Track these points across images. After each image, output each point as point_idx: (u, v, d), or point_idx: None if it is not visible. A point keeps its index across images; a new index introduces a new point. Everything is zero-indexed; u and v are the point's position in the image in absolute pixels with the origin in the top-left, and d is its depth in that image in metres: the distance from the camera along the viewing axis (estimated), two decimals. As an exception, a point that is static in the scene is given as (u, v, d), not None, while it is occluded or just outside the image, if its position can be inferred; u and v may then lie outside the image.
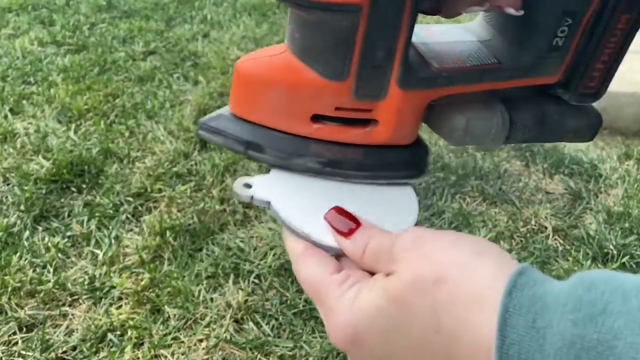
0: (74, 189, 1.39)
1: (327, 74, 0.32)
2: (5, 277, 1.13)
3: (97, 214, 1.31)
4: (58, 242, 1.23)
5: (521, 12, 0.32)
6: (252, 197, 0.36)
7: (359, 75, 0.32)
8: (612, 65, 0.35)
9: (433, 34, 0.37)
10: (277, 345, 1.03)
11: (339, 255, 0.34)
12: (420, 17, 0.32)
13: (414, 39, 0.33)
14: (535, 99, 0.37)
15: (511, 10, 0.32)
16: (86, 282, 1.14)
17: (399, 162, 0.37)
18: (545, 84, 0.35)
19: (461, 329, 0.26)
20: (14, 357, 1.01)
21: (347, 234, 0.33)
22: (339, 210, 0.34)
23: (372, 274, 0.32)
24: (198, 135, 0.36)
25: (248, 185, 0.37)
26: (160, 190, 1.39)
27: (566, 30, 0.33)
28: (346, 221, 0.33)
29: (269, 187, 0.36)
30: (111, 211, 1.32)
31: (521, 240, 1.31)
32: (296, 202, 0.36)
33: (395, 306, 0.28)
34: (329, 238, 0.34)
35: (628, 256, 1.24)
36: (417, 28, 0.33)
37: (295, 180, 0.37)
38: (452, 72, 0.33)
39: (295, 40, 0.33)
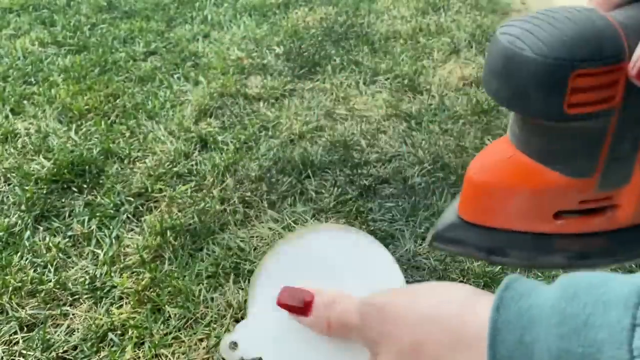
0: (74, 189, 1.39)
1: (574, 174, 0.33)
2: (6, 277, 1.14)
3: (97, 214, 1.31)
4: (59, 242, 1.23)
5: None
6: (242, 359, 0.36)
7: (605, 169, 0.32)
8: None
9: None
10: (277, 345, 1.04)
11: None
12: None
13: None
14: None
15: None
16: (87, 282, 1.14)
17: None
18: None
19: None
20: (15, 356, 1.01)
21: (305, 309, 0.33)
22: (289, 289, 0.34)
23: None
24: (432, 247, 0.36)
25: (234, 345, 0.36)
26: (160, 190, 1.40)
27: None
28: (299, 296, 0.33)
29: (255, 339, 0.36)
30: (112, 211, 1.32)
31: (521, 240, 1.31)
32: (284, 349, 0.35)
33: None
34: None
35: (627, 256, 1.25)
36: None
37: (276, 323, 0.36)
38: None
39: (533, 144, 0.33)
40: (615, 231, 0.35)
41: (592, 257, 0.35)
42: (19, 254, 1.20)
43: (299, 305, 0.33)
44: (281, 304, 0.34)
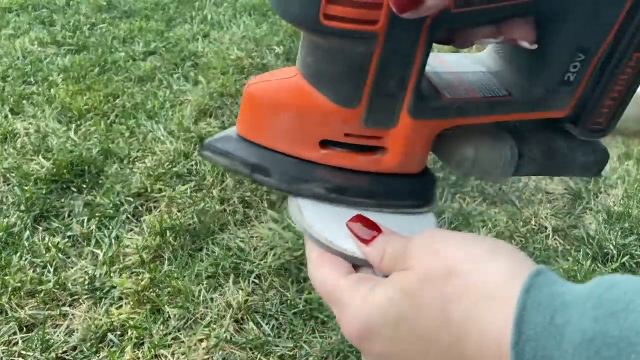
0: (74, 189, 1.39)
1: (339, 100, 0.32)
2: (6, 277, 1.14)
3: (97, 214, 1.31)
4: (58, 242, 1.23)
5: (535, 46, 0.32)
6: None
7: (370, 103, 0.32)
8: (622, 102, 0.34)
9: (444, 63, 0.37)
10: (277, 345, 1.03)
11: (357, 266, 0.34)
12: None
13: (425, 67, 0.33)
14: (544, 132, 0.37)
15: (525, 44, 0.32)
16: (86, 282, 1.14)
17: (405, 191, 0.36)
18: (555, 118, 0.35)
19: (471, 324, 0.26)
20: (14, 357, 1.01)
21: (368, 241, 0.33)
22: (361, 218, 0.34)
23: None
24: (201, 155, 0.36)
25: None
26: (160, 190, 1.39)
27: (578, 65, 0.32)
28: (368, 228, 0.34)
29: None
30: (111, 211, 1.32)
31: (521, 240, 1.31)
32: (318, 210, 0.36)
33: (406, 299, 0.28)
34: (349, 245, 0.34)
35: (628, 256, 1.24)
36: (429, 57, 0.33)
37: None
38: (463, 103, 0.33)
39: (308, 65, 0.33)
40: (380, 175, 0.35)
41: (350, 194, 0.35)
42: (18, 254, 1.20)
43: (365, 237, 0.33)
44: (349, 228, 0.34)
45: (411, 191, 0.37)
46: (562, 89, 0.33)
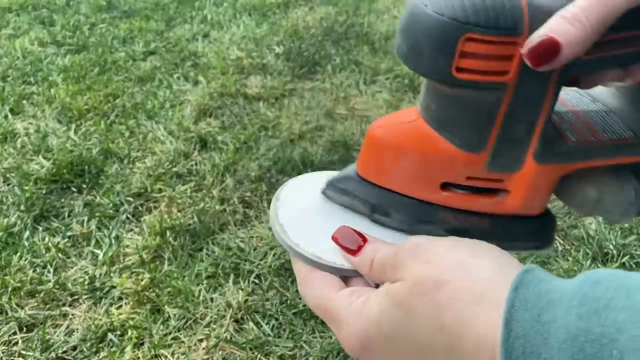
0: (74, 189, 1.39)
1: (463, 146, 0.33)
2: (6, 277, 1.14)
3: (97, 214, 1.31)
4: (58, 242, 1.23)
5: None
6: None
7: (496, 148, 0.32)
8: None
9: (562, 101, 0.37)
10: (277, 345, 1.03)
11: (347, 278, 0.35)
12: None
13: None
14: None
15: None
16: (86, 282, 1.14)
17: (525, 233, 0.36)
18: None
19: (464, 328, 0.26)
20: (14, 357, 1.01)
21: (355, 251, 0.34)
22: (346, 229, 0.35)
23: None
24: (324, 194, 0.37)
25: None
26: (160, 190, 1.39)
27: None
28: (354, 239, 0.34)
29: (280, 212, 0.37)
30: (111, 211, 1.32)
31: (521, 240, 1.31)
32: (302, 228, 0.36)
33: (399, 311, 0.29)
34: (337, 258, 0.34)
35: (628, 256, 1.24)
36: None
37: (298, 208, 0.37)
38: (589, 145, 0.33)
39: (431, 110, 0.33)
40: (501, 216, 0.35)
41: (470, 236, 0.35)
42: (18, 254, 1.20)
43: (352, 247, 0.34)
44: (335, 241, 0.35)
45: (532, 232, 0.37)
46: None
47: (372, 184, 0.36)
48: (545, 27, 0.27)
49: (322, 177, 0.38)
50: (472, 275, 0.27)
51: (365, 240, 0.34)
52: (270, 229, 1.28)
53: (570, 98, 0.37)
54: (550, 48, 0.27)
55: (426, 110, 0.33)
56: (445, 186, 0.35)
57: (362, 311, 0.30)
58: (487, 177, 0.34)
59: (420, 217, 0.35)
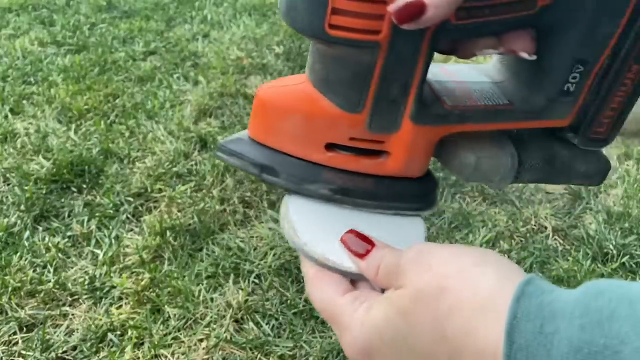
0: (74, 189, 1.39)
1: (344, 106, 0.34)
2: (6, 277, 1.14)
3: (97, 214, 1.31)
4: (58, 242, 1.23)
5: (534, 57, 0.33)
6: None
7: (374, 108, 0.33)
8: (622, 112, 0.35)
9: (447, 72, 0.38)
10: (277, 345, 1.03)
11: (354, 280, 0.35)
12: (436, 56, 0.33)
13: (429, 76, 0.34)
14: (545, 141, 0.38)
15: (525, 55, 0.33)
16: (86, 282, 1.14)
17: (408, 194, 0.38)
18: (556, 127, 0.36)
19: (466, 338, 0.26)
20: (14, 357, 1.01)
21: (363, 255, 0.34)
22: (355, 233, 0.35)
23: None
24: (215, 156, 0.38)
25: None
26: (160, 190, 1.39)
27: (577, 76, 0.33)
28: (362, 243, 0.35)
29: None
30: (111, 211, 1.32)
31: (521, 240, 1.31)
32: (311, 227, 0.37)
33: (402, 319, 0.29)
34: (345, 261, 0.35)
35: (628, 256, 1.24)
36: (432, 66, 0.34)
37: (309, 207, 0.38)
38: (464, 110, 0.34)
39: (315, 71, 0.34)
40: (384, 177, 0.37)
41: (354, 195, 0.37)
42: (18, 254, 1.20)
43: (359, 252, 0.34)
44: (344, 243, 0.35)
45: (414, 194, 0.38)
46: (562, 99, 0.34)
47: (261, 145, 0.37)
48: None
49: None
50: (474, 284, 0.27)
51: (373, 245, 0.34)
52: (270, 228, 1.28)
53: (456, 70, 0.38)
54: (415, 8, 0.28)
55: (311, 72, 0.34)
56: (329, 147, 0.36)
57: (365, 318, 0.30)
58: (368, 137, 0.35)
59: (306, 176, 0.36)
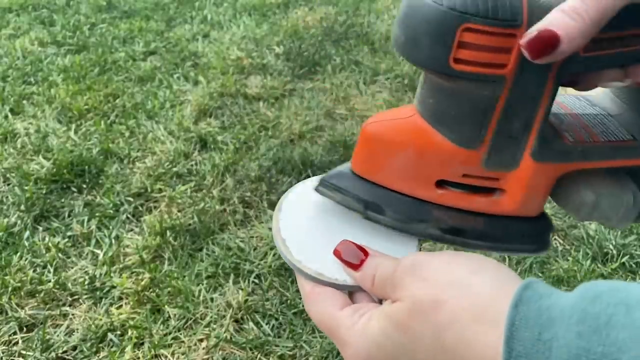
0: (74, 189, 1.39)
1: (459, 141, 0.32)
2: (6, 277, 1.14)
3: (97, 214, 1.31)
4: (58, 242, 1.23)
5: None
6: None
7: (492, 144, 0.32)
8: None
9: (561, 104, 0.36)
10: (277, 345, 1.03)
11: (351, 292, 0.35)
12: None
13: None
14: None
15: None
16: (86, 282, 1.14)
17: (521, 235, 0.36)
18: None
19: (465, 348, 0.26)
20: (14, 356, 1.01)
21: (357, 265, 0.34)
22: (348, 244, 0.35)
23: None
24: (316, 191, 0.36)
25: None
26: (160, 190, 1.39)
27: None
28: (356, 252, 0.34)
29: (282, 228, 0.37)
30: (111, 211, 1.32)
31: (521, 240, 1.31)
32: (303, 244, 0.36)
33: (400, 332, 0.29)
34: (340, 275, 0.34)
35: (628, 256, 1.24)
36: None
37: (298, 223, 0.37)
38: (586, 146, 0.33)
39: (429, 105, 0.32)
40: (497, 217, 0.35)
41: (466, 236, 0.35)
42: (18, 254, 1.20)
43: (353, 262, 0.34)
44: (337, 255, 0.35)
45: (528, 235, 0.36)
46: None
47: (366, 181, 0.35)
48: (545, 19, 0.27)
49: None
50: (471, 293, 0.27)
51: (367, 254, 0.34)
52: (270, 229, 1.28)
53: (568, 102, 0.37)
54: (549, 40, 0.27)
55: (423, 106, 0.33)
56: (440, 184, 0.34)
57: (364, 332, 0.30)
58: (484, 175, 0.33)
59: (415, 215, 0.35)
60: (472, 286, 0.27)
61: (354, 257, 0.34)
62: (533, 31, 0.27)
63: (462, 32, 0.28)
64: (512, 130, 0.31)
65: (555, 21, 0.27)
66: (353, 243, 0.35)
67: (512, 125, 0.31)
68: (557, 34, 0.27)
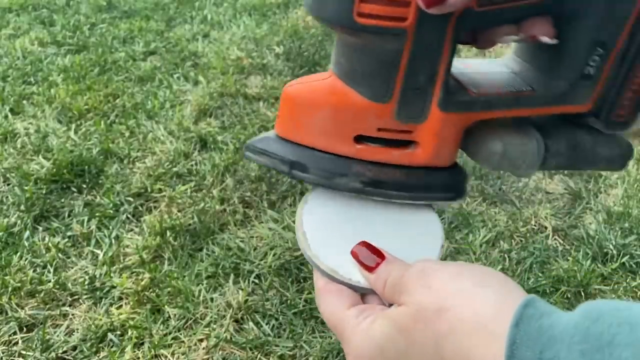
0: (74, 189, 1.39)
1: (371, 96, 0.34)
2: (6, 277, 1.14)
3: (97, 214, 1.31)
4: (58, 242, 1.23)
5: (555, 41, 0.33)
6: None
7: (401, 97, 0.34)
8: None
9: (469, 66, 0.39)
10: (277, 345, 1.03)
11: (364, 294, 0.35)
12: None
13: (452, 69, 0.34)
14: (569, 127, 0.38)
15: (545, 39, 0.33)
16: (86, 282, 1.14)
17: (438, 184, 0.38)
18: (578, 112, 0.37)
19: (464, 359, 0.26)
20: (14, 357, 1.01)
21: (372, 268, 0.34)
22: (365, 245, 0.35)
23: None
24: (244, 156, 0.38)
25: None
26: (160, 190, 1.39)
27: (597, 59, 0.34)
28: (372, 256, 0.35)
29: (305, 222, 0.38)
30: (111, 211, 1.32)
31: (521, 240, 1.31)
32: (324, 240, 0.37)
33: (401, 336, 0.29)
34: (354, 275, 0.35)
35: (628, 256, 1.24)
36: (455, 61, 0.34)
37: (322, 219, 0.38)
38: (489, 96, 0.35)
39: (341, 64, 0.35)
40: (414, 168, 0.37)
41: (385, 187, 0.37)
42: (18, 254, 1.20)
43: (369, 264, 0.34)
44: (354, 256, 0.35)
45: (444, 184, 0.38)
46: (583, 83, 0.35)
47: (290, 142, 0.37)
48: None
49: None
50: (474, 304, 0.27)
51: (383, 258, 0.34)
52: (270, 228, 1.28)
53: (478, 64, 0.39)
54: None
55: (337, 66, 0.35)
56: (358, 140, 0.36)
57: (367, 334, 0.31)
58: (397, 128, 0.35)
59: (337, 170, 0.36)
60: (476, 298, 0.27)
61: (370, 259, 0.34)
62: None
63: None
64: (418, 83, 0.33)
65: None
66: (371, 245, 0.35)
67: (418, 78, 0.33)
68: None
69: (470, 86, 0.35)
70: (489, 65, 0.39)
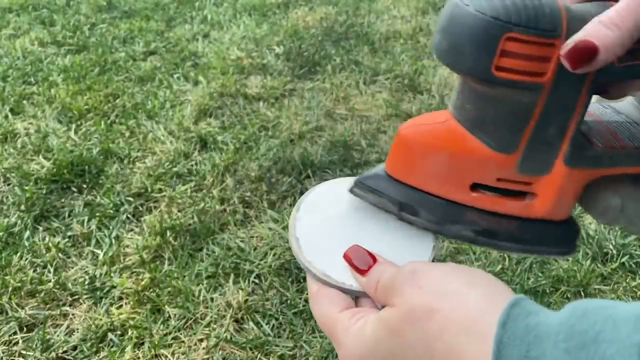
0: (74, 189, 1.39)
1: (495, 146, 0.33)
2: (6, 277, 1.14)
3: (97, 214, 1.31)
4: (58, 242, 1.23)
5: None
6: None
7: (527, 150, 0.33)
8: None
9: (588, 112, 0.37)
10: (277, 345, 1.03)
11: (357, 298, 0.35)
12: None
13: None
14: None
15: None
16: (86, 282, 1.14)
17: (551, 238, 0.37)
18: None
19: (454, 359, 0.27)
20: (14, 356, 1.01)
21: (364, 271, 0.34)
22: (357, 249, 0.35)
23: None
24: (351, 192, 0.37)
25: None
26: (160, 190, 1.39)
27: None
28: (364, 258, 0.35)
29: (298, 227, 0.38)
30: (111, 211, 1.32)
31: (521, 240, 1.31)
32: (316, 245, 0.37)
33: (392, 337, 0.29)
34: (347, 279, 0.35)
35: (627, 256, 1.24)
36: None
37: (314, 225, 0.38)
38: (615, 152, 0.34)
39: (466, 110, 0.34)
40: (528, 220, 0.36)
41: (498, 238, 0.36)
42: (18, 254, 1.20)
43: (361, 267, 0.34)
44: (346, 259, 0.35)
45: (557, 238, 0.37)
46: None
47: (400, 183, 0.36)
48: (583, 30, 0.28)
49: (345, 185, 0.38)
50: (464, 305, 0.27)
51: (375, 260, 0.34)
52: (270, 228, 1.28)
53: (595, 110, 0.38)
54: (588, 51, 0.28)
55: (459, 111, 0.34)
56: (474, 187, 0.35)
57: (358, 335, 0.31)
58: (517, 179, 0.34)
59: (449, 217, 0.35)
60: (465, 298, 0.28)
61: (362, 262, 0.35)
62: (572, 42, 0.28)
63: (505, 41, 0.29)
64: (547, 137, 0.32)
65: (593, 32, 0.28)
66: (363, 249, 0.35)
67: (547, 132, 0.32)
68: (596, 44, 0.28)
69: (595, 139, 0.34)
70: (608, 112, 0.38)
